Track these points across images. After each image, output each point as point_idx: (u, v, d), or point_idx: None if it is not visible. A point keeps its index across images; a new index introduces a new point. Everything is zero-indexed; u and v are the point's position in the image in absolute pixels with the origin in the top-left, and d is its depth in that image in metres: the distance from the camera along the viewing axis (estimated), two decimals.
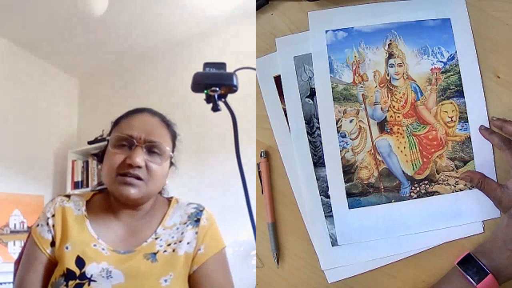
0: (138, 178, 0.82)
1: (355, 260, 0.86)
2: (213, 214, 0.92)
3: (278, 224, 0.89)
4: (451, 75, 0.91)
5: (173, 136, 0.91)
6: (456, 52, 0.91)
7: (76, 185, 2.79)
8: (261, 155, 0.91)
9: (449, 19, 0.92)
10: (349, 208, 0.88)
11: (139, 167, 0.82)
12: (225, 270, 0.89)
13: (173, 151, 0.91)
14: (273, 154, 0.92)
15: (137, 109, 0.90)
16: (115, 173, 0.82)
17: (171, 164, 0.91)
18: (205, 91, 0.74)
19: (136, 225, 0.87)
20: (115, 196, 0.85)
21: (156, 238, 0.86)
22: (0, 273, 2.18)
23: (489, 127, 0.88)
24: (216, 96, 0.74)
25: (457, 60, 0.91)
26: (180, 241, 0.85)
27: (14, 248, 2.42)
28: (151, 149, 0.85)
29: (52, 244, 0.83)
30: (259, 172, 0.91)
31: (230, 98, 0.75)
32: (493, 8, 0.92)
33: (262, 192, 0.90)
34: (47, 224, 0.84)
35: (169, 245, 0.85)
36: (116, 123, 0.89)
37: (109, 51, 2.84)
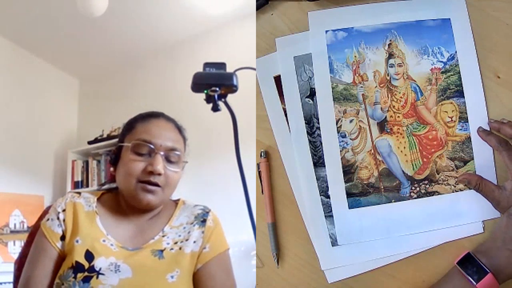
0: (157, 185, 0.85)
1: (355, 260, 0.86)
2: (217, 216, 0.93)
3: (278, 224, 0.89)
4: (451, 75, 0.91)
5: (185, 141, 0.94)
6: (456, 52, 0.91)
7: (76, 185, 2.79)
8: (261, 155, 0.91)
9: (449, 19, 0.92)
10: (349, 208, 0.88)
11: (159, 174, 0.85)
12: (228, 271, 0.90)
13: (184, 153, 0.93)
14: (273, 154, 0.92)
15: (152, 114, 0.92)
16: (136, 180, 0.85)
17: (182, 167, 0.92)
18: (205, 91, 0.74)
19: (144, 224, 0.89)
20: (132, 201, 0.87)
21: (163, 236, 0.88)
22: (0, 273, 2.18)
23: (488, 128, 0.88)
24: (216, 96, 0.74)
25: (457, 60, 0.91)
26: (187, 240, 0.87)
27: (14, 248, 2.42)
28: (169, 157, 0.87)
29: (62, 238, 0.84)
30: (259, 172, 0.91)
31: (230, 98, 0.75)
32: (493, 8, 0.92)
33: (262, 192, 0.90)
34: (58, 218, 0.85)
35: (175, 243, 0.87)
36: (130, 127, 0.91)
37: (109, 51, 2.84)
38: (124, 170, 0.86)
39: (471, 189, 0.86)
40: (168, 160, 0.87)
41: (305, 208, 0.89)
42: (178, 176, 0.90)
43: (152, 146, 0.85)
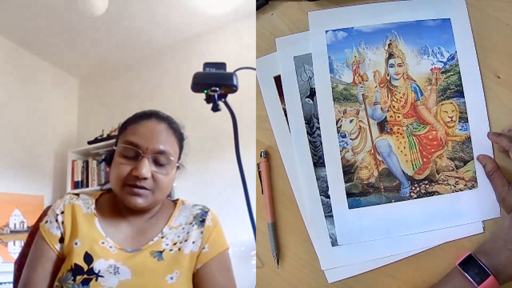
0: (145, 188, 0.84)
1: (355, 260, 0.86)
2: (216, 216, 0.93)
3: (278, 224, 0.89)
4: (451, 75, 0.91)
5: (180, 140, 0.92)
6: (456, 52, 0.91)
7: (76, 185, 2.78)
8: (261, 155, 0.91)
9: (449, 19, 0.92)
10: (349, 208, 0.88)
11: (145, 178, 0.83)
12: (228, 271, 0.90)
13: (180, 154, 0.91)
14: (273, 154, 0.92)
15: (144, 114, 0.90)
16: (122, 183, 0.84)
17: (178, 167, 0.91)
18: (205, 91, 0.74)
19: (143, 225, 0.89)
20: (123, 202, 0.86)
21: (162, 237, 0.87)
22: (0, 273, 2.18)
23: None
24: (216, 96, 0.74)
25: (457, 60, 0.91)
26: (186, 240, 0.86)
27: (14, 248, 2.42)
28: (158, 159, 0.85)
29: (61, 240, 0.83)
30: (259, 172, 0.91)
31: (230, 98, 0.75)
32: (493, 8, 0.92)
33: (262, 192, 0.90)
34: (56, 220, 0.85)
35: (175, 244, 0.86)
36: (123, 128, 0.89)
37: (109, 51, 2.84)
38: (113, 173, 0.85)
39: (471, 188, 0.87)
40: (156, 163, 0.85)
41: (305, 208, 0.89)
42: (169, 179, 0.87)
43: (138, 150, 0.83)
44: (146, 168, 0.83)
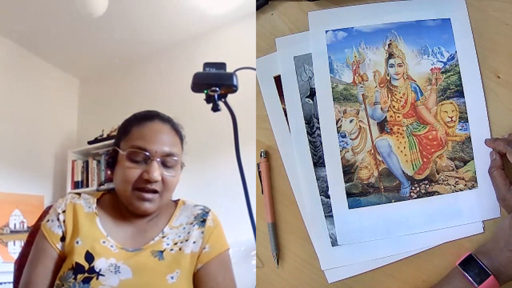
0: (154, 191, 0.84)
1: (355, 260, 0.86)
2: (217, 216, 0.93)
3: (278, 224, 0.89)
4: (451, 75, 0.91)
5: (182, 141, 0.92)
6: (456, 52, 0.91)
7: (76, 185, 2.78)
8: (261, 155, 0.91)
9: (449, 19, 0.92)
10: (349, 208, 0.88)
11: (156, 181, 0.84)
12: (228, 271, 0.90)
13: (182, 155, 0.92)
14: (273, 154, 0.92)
15: (147, 115, 0.90)
16: (132, 187, 0.84)
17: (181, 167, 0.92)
18: (205, 91, 0.74)
19: (144, 225, 0.89)
20: (129, 207, 0.86)
21: (163, 237, 0.87)
22: (0, 273, 2.18)
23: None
24: (216, 96, 0.74)
25: (457, 60, 0.91)
26: (187, 240, 0.87)
27: (14, 248, 2.42)
28: (166, 162, 0.86)
29: (62, 239, 0.84)
30: (259, 172, 0.91)
31: (230, 98, 0.75)
32: (493, 8, 0.92)
33: (262, 192, 0.90)
34: (58, 219, 0.85)
35: (175, 244, 0.87)
36: (125, 130, 0.89)
37: (109, 51, 2.84)
38: (121, 177, 0.86)
39: (471, 188, 0.87)
40: (164, 165, 0.86)
41: (305, 208, 0.89)
42: (176, 180, 0.88)
43: (147, 154, 0.84)
44: (157, 171, 0.84)
